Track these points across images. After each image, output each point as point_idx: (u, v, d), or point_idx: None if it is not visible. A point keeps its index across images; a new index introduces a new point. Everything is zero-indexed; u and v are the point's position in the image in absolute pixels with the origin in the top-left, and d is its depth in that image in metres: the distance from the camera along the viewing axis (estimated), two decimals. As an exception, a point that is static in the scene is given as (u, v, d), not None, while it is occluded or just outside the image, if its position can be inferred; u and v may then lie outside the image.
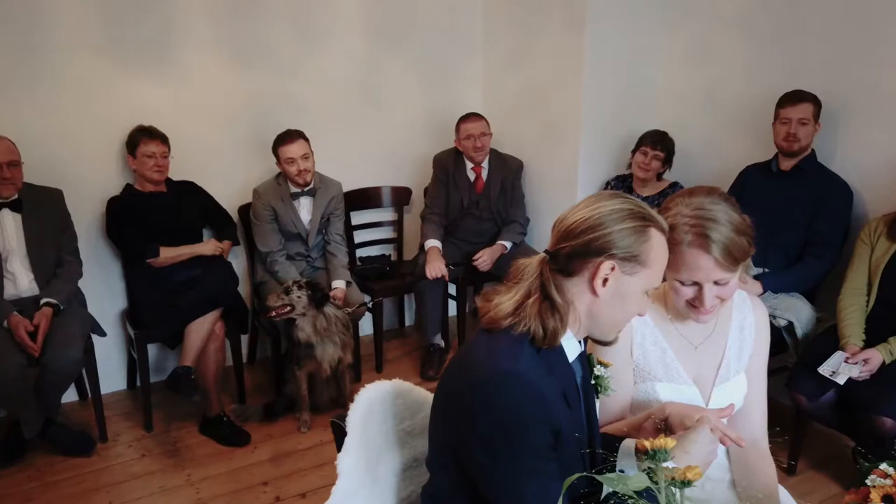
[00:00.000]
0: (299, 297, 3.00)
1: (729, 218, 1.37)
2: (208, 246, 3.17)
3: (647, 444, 0.90)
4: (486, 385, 1.18)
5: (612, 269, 1.19)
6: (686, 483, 0.84)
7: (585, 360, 1.37)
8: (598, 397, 1.37)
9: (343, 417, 1.49)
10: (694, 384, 1.54)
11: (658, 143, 3.38)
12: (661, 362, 1.52)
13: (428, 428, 1.37)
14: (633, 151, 3.45)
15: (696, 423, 1.30)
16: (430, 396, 1.56)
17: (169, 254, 3.09)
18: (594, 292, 1.21)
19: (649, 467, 0.89)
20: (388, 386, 1.55)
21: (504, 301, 1.23)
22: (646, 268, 1.21)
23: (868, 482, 1.18)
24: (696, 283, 1.40)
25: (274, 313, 3.01)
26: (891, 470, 1.17)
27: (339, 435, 1.48)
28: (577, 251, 1.21)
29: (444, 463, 1.30)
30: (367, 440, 1.49)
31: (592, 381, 1.37)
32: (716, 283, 1.39)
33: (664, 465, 0.87)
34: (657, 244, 1.22)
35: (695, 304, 1.43)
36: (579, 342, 1.30)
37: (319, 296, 3.03)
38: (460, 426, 1.22)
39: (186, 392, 2.84)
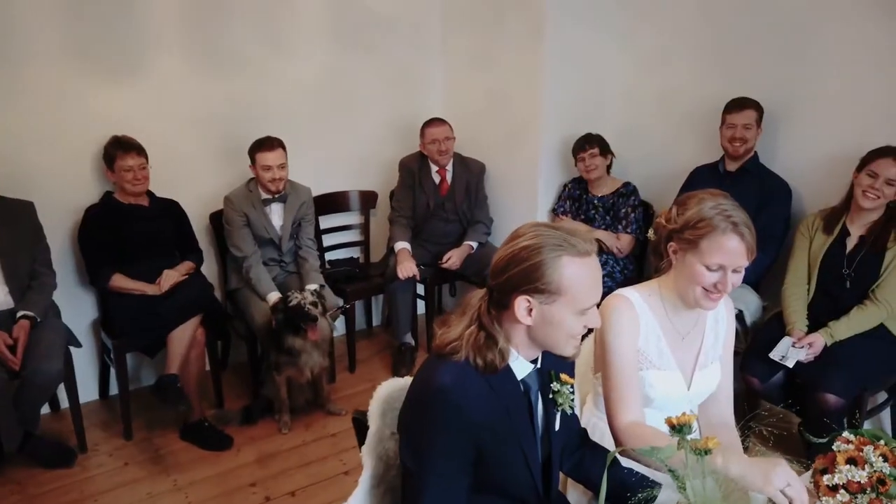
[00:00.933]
0: (317, 301, 3.09)
1: (743, 213, 1.59)
2: (152, 287, 3.08)
3: (674, 420, 1.06)
4: (417, 401, 1.39)
5: (529, 302, 1.32)
6: (707, 451, 1.01)
7: (545, 374, 1.48)
8: (556, 410, 1.47)
9: (364, 413, 1.60)
10: (678, 370, 1.72)
11: (586, 143, 3.58)
12: (658, 350, 1.70)
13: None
14: (575, 164, 3.65)
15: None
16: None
17: (121, 283, 3.06)
18: (523, 323, 1.34)
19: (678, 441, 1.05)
20: (400, 383, 1.67)
21: (451, 330, 1.39)
22: (562, 295, 1.30)
23: (833, 448, 1.37)
24: (721, 268, 1.58)
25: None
26: (852, 437, 1.37)
27: (361, 430, 1.59)
28: (500, 288, 1.35)
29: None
30: (384, 434, 1.60)
31: (550, 396, 1.47)
32: (734, 271, 1.58)
33: (688, 437, 1.03)
34: (571, 270, 1.30)
35: (711, 290, 1.60)
36: (534, 360, 1.43)
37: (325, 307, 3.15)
38: (400, 435, 1.44)
39: (174, 401, 2.87)
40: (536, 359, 1.45)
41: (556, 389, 1.46)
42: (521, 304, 1.32)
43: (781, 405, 2.83)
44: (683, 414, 1.04)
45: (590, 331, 1.48)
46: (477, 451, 1.35)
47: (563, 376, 1.48)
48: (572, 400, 1.48)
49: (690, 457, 1.02)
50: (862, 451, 1.33)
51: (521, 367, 1.41)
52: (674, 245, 1.66)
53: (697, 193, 1.66)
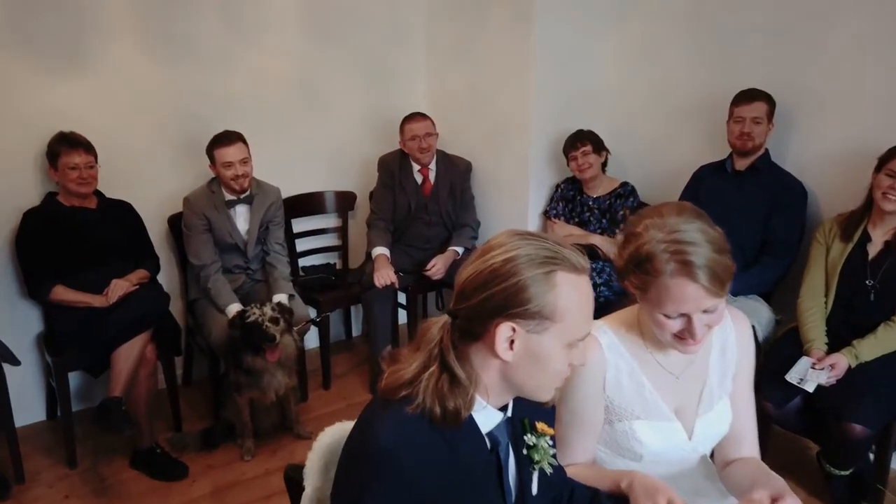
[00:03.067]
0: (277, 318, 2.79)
1: (707, 237, 1.24)
2: (99, 299, 2.78)
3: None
4: (351, 455, 1.08)
5: (514, 330, 1.04)
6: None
7: (517, 423, 1.19)
8: (533, 469, 1.19)
9: (298, 469, 1.30)
10: (676, 418, 1.42)
11: (577, 140, 3.31)
12: (639, 397, 1.39)
13: None
14: (567, 164, 3.38)
15: None
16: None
17: (63, 296, 2.78)
18: (501, 358, 1.05)
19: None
20: (349, 428, 1.37)
21: (403, 368, 1.08)
22: (556, 322, 1.04)
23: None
24: (683, 315, 1.27)
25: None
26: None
27: (294, 490, 1.29)
28: (474, 313, 1.05)
29: None
30: (325, 493, 1.30)
31: (524, 452, 1.19)
32: (704, 311, 1.26)
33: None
34: (567, 290, 1.04)
35: (682, 337, 1.30)
36: (503, 408, 1.14)
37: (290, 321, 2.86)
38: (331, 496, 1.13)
39: (117, 426, 2.56)
40: (506, 406, 1.15)
41: (531, 444, 1.16)
42: (502, 332, 1.03)
43: (800, 433, 2.55)
44: None
45: None
46: None
47: (541, 426, 1.19)
48: (552, 455, 1.18)
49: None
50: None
51: (488, 417, 1.11)
52: (629, 284, 1.33)
53: (649, 214, 1.30)
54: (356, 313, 4.12)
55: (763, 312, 2.80)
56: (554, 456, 1.18)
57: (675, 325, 1.28)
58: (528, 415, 1.18)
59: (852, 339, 2.43)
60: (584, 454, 1.42)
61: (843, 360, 2.38)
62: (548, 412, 1.22)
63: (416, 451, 1.02)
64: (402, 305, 3.78)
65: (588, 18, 3.45)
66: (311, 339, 3.57)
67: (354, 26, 3.73)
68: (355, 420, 1.16)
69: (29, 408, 3.10)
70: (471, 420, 1.09)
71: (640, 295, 1.30)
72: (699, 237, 1.23)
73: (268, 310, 2.77)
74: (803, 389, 2.36)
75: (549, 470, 1.18)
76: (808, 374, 2.37)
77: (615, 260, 1.35)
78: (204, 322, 3.04)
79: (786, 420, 2.51)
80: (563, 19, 3.37)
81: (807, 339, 2.51)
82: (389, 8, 3.83)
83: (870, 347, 2.39)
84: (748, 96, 2.81)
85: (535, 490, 1.18)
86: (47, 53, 2.93)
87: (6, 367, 2.67)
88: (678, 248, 1.22)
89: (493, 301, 1.03)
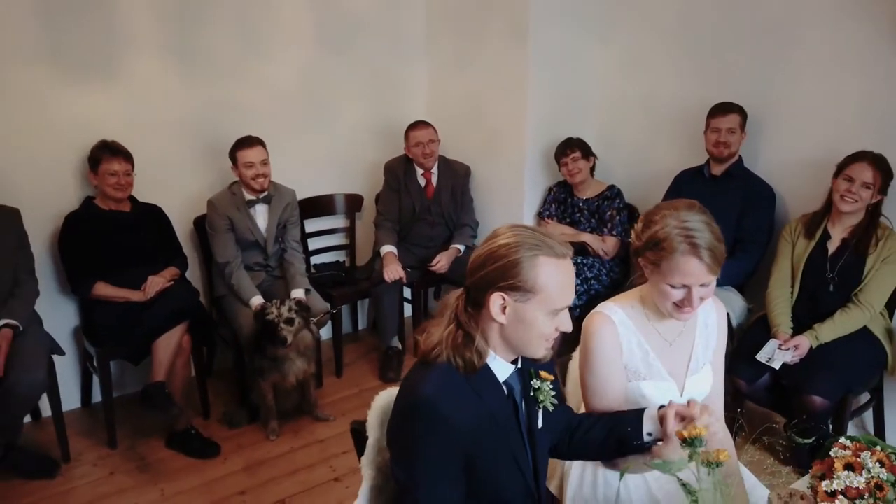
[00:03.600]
0: (293, 318, 3.07)
1: (710, 228, 1.56)
2: (137, 294, 3.04)
3: (685, 433, 1.06)
4: (402, 413, 1.38)
5: (504, 299, 1.33)
6: (719, 464, 1.02)
7: (525, 373, 1.50)
8: (538, 408, 1.49)
9: (362, 424, 1.59)
10: (671, 378, 1.73)
11: (567, 147, 3.61)
12: (645, 362, 1.71)
13: None
14: (559, 169, 3.67)
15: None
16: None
17: (104, 292, 3.03)
18: (497, 321, 1.36)
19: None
20: (394, 392, 1.67)
21: (432, 334, 1.40)
22: (536, 293, 1.32)
23: (831, 454, 1.40)
24: (685, 287, 1.59)
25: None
26: (849, 442, 1.39)
27: (360, 440, 1.58)
28: (477, 286, 1.37)
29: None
30: (383, 444, 1.59)
31: (531, 394, 1.49)
32: (701, 285, 1.58)
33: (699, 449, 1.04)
34: (546, 270, 1.32)
35: (680, 305, 1.61)
36: (514, 361, 1.44)
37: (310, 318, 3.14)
38: (389, 449, 1.44)
39: (163, 407, 2.82)
40: (516, 360, 1.45)
41: (536, 387, 1.47)
42: (495, 300, 1.34)
43: (768, 406, 2.88)
44: (695, 426, 1.05)
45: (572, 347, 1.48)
46: (466, 459, 1.35)
47: (543, 374, 1.49)
48: (553, 396, 1.49)
49: (702, 469, 1.03)
50: (859, 456, 1.35)
51: (502, 368, 1.42)
52: (643, 261, 1.67)
53: (665, 207, 1.64)
54: (362, 307, 4.40)
55: (737, 302, 3.13)
56: (555, 397, 1.49)
57: (678, 294, 1.60)
58: (533, 366, 1.50)
59: (814, 325, 2.77)
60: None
61: (805, 342, 2.71)
62: (548, 364, 1.53)
63: (451, 398, 1.33)
64: (406, 300, 4.06)
65: (579, 34, 3.74)
66: (324, 331, 3.83)
67: (361, 41, 4.00)
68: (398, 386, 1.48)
69: (65, 396, 3.32)
70: (489, 371, 1.40)
71: (653, 269, 1.62)
72: (704, 227, 1.56)
73: (285, 310, 3.04)
74: (771, 367, 2.69)
75: (550, 408, 1.48)
76: (775, 354, 2.70)
77: (633, 241, 1.68)
78: (234, 318, 3.29)
79: (757, 396, 2.84)
80: (556, 35, 3.66)
81: (774, 324, 2.84)
82: (394, 24, 4.11)
83: (828, 330, 2.72)
84: (723, 109, 3.13)
85: (540, 424, 1.49)
86: (81, 68, 3.15)
87: (53, 357, 2.91)
88: (689, 234, 1.55)
89: (490, 276, 1.34)
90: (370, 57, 4.06)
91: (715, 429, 1.38)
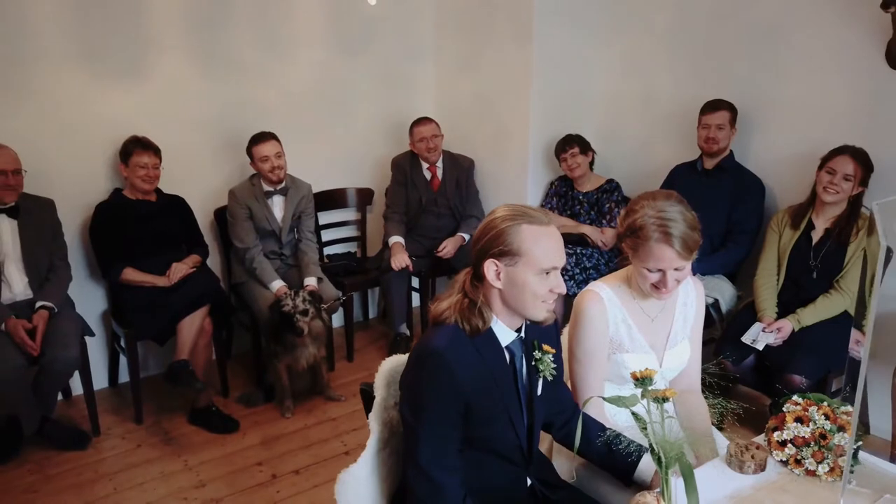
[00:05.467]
0: (307, 309, 3.27)
1: (684, 217, 1.73)
2: (162, 279, 3.25)
3: (638, 373, 1.25)
4: (415, 362, 1.58)
5: (496, 265, 1.52)
6: (665, 399, 1.20)
7: (529, 344, 1.68)
8: (538, 377, 1.65)
9: (370, 385, 1.78)
10: (651, 350, 1.91)
11: (566, 144, 3.78)
12: (628, 335, 1.89)
13: None
14: (560, 165, 3.85)
15: None
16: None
17: (132, 277, 3.24)
18: (494, 286, 1.54)
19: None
20: (402, 359, 1.85)
21: (443, 302, 1.61)
22: (522, 256, 1.50)
23: (784, 409, 1.57)
24: (660, 270, 1.76)
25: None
26: (800, 399, 1.57)
27: (368, 399, 1.77)
28: (477, 257, 1.57)
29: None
30: (388, 403, 1.79)
31: (533, 363, 1.65)
32: (675, 269, 1.76)
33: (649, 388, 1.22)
34: (528, 234, 1.50)
35: (658, 286, 1.79)
36: (517, 330, 1.63)
37: (321, 306, 3.34)
38: (401, 392, 1.63)
39: (188, 382, 3.04)
40: (520, 328, 1.64)
41: (538, 357, 1.65)
42: (489, 267, 1.53)
43: (753, 387, 3.04)
44: (647, 368, 1.24)
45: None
46: (466, 406, 1.54)
47: (545, 346, 1.67)
48: (553, 367, 1.67)
49: (651, 404, 1.21)
50: (808, 411, 1.53)
51: (505, 334, 1.61)
52: (625, 245, 1.84)
53: (645, 197, 1.79)
54: (372, 296, 4.60)
55: (727, 289, 3.29)
56: (555, 369, 1.67)
57: (654, 277, 1.78)
58: (537, 338, 1.68)
59: (797, 309, 2.94)
60: (594, 390, 1.88)
61: (788, 325, 2.87)
62: (551, 337, 1.71)
63: (458, 354, 1.52)
64: (414, 289, 4.25)
65: (581, 36, 3.92)
66: (336, 318, 4.04)
67: (373, 42, 4.20)
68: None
69: (94, 377, 3.53)
70: (493, 336, 1.59)
71: (633, 254, 1.80)
72: (678, 216, 1.73)
73: (300, 301, 3.25)
74: (755, 348, 2.86)
75: (549, 377, 1.66)
76: (759, 336, 2.87)
77: (617, 228, 1.86)
78: (252, 303, 3.50)
79: (743, 376, 3.00)
80: (558, 36, 3.83)
81: (760, 309, 3.00)
82: (403, 25, 4.30)
83: (810, 314, 2.88)
84: (712, 106, 3.30)
85: (539, 391, 1.68)
86: (110, 68, 3.37)
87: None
88: (663, 223, 1.71)
89: (484, 247, 1.55)
90: (382, 58, 4.26)
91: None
